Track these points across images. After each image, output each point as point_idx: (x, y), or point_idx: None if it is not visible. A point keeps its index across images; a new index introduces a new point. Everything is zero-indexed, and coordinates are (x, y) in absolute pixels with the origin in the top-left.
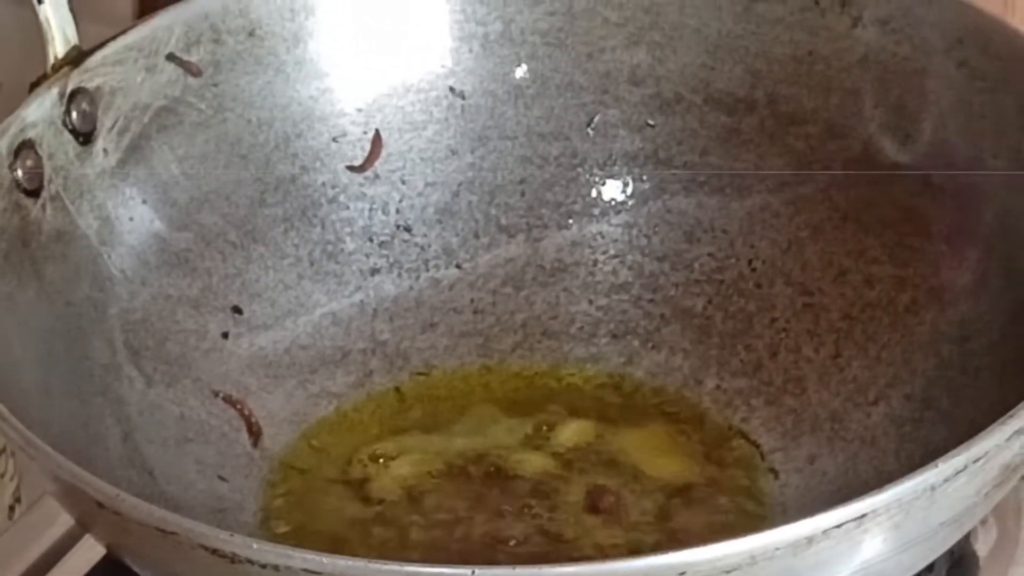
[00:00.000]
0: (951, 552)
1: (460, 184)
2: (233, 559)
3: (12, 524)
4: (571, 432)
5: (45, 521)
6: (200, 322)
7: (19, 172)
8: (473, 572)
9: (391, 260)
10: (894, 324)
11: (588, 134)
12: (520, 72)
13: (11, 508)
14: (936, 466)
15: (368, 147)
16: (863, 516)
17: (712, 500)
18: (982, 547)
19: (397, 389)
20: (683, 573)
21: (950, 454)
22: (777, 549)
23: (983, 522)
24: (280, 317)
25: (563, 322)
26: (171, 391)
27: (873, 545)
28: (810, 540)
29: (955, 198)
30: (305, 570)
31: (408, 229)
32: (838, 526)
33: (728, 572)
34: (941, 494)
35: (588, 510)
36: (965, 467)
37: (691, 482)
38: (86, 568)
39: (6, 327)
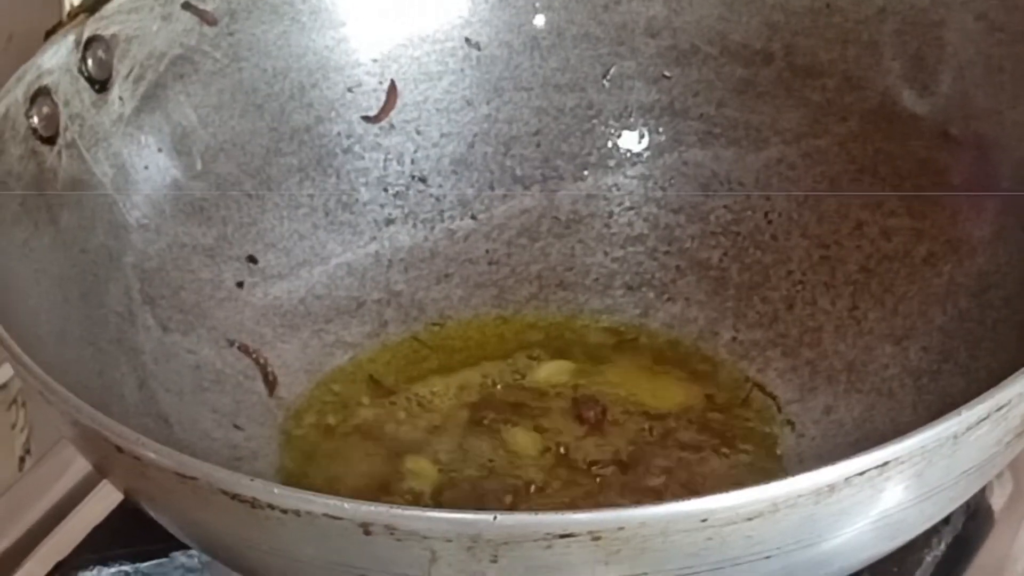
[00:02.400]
0: (967, 505)
1: (475, 135)
2: (254, 504)
3: (22, 476)
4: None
5: (55, 473)
6: (215, 271)
7: (35, 119)
8: (495, 518)
9: (406, 211)
10: (911, 276)
11: (604, 85)
12: (536, 23)
13: (21, 460)
14: (960, 414)
15: (383, 97)
16: (886, 464)
17: (729, 448)
18: (997, 500)
19: (414, 338)
20: (704, 520)
21: (974, 401)
22: (800, 496)
23: (999, 476)
24: (295, 267)
25: (578, 273)
26: (186, 340)
27: (895, 494)
28: (832, 488)
29: (973, 150)
30: (326, 515)
31: (423, 180)
32: (860, 473)
33: (749, 519)
34: (964, 442)
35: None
36: (988, 415)
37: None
38: (97, 520)
39: (22, 274)
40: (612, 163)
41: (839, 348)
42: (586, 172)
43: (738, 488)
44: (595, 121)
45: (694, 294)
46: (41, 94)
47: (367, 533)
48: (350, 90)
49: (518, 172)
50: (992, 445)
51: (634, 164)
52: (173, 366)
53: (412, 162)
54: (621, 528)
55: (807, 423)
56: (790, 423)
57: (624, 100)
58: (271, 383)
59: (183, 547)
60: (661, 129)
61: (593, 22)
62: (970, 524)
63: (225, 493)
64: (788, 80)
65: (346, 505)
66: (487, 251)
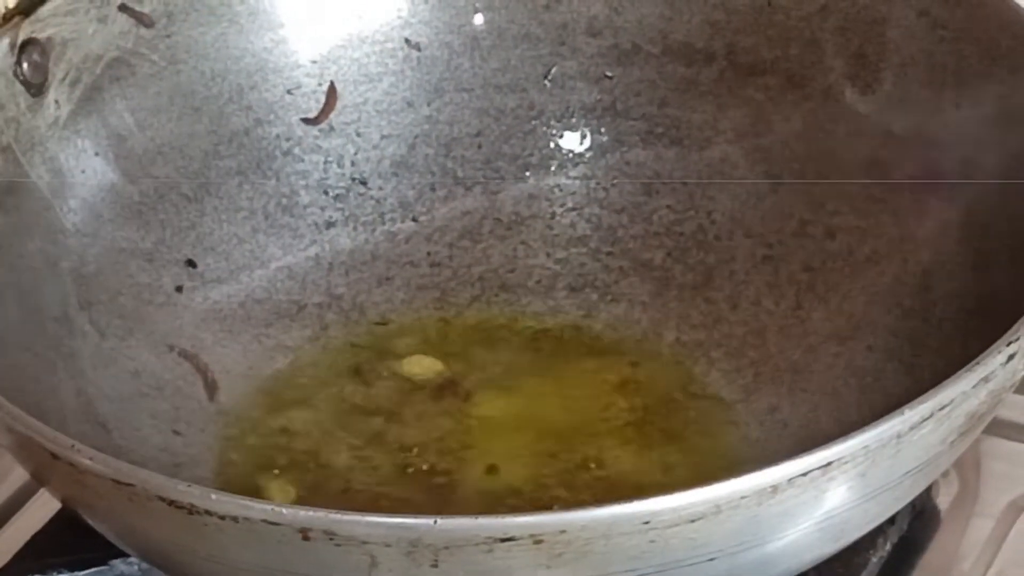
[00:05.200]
0: (912, 505)
1: (416, 136)
2: (191, 510)
3: None
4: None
5: None
6: (154, 276)
7: None
8: (436, 522)
9: (347, 213)
10: (855, 275)
11: (545, 86)
12: (476, 23)
13: None
14: (903, 413)
15: (323, 99)
16: (829, 464)
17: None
18: (943, 500)
19: (352, 344)
20: (646, 522)
21: (916, 401)
22: (743, 498)
23: (944, 475)
24: (235, 271)
25: (521, 275)
26: (125, 345)
27: (838, 494)
28: (775, 488)
29: (916, 148)
30: (264, 520)
31: (364, 182)
32: (804, 474)
33: (692, 521)
34: (907, 442)
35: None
36: (931, 415)
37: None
38: (35, 528)
39: None
40: (554, 164)
41: (783, 348)
42: (528, 173)
43: (681, 490)
44: (536, 122)
45: (637, 295)
46: None
47: (306, 539)
48: (289, 92)
49: (459, 173)
50: (936, 444)
51: (576, 165)
52: (111, 372)
53: (352, 164)
54: (563, 531)
55: (751, 424)
56: (734, 424)
57: (566, 100)
58: (211, 388)
59: (122, 555)
60: (603, 129)
61: (534, 22)
62: (916, 524)
63: (162, 500)
64: (730, 79)
65: (284, 511)
66: (428, 253)
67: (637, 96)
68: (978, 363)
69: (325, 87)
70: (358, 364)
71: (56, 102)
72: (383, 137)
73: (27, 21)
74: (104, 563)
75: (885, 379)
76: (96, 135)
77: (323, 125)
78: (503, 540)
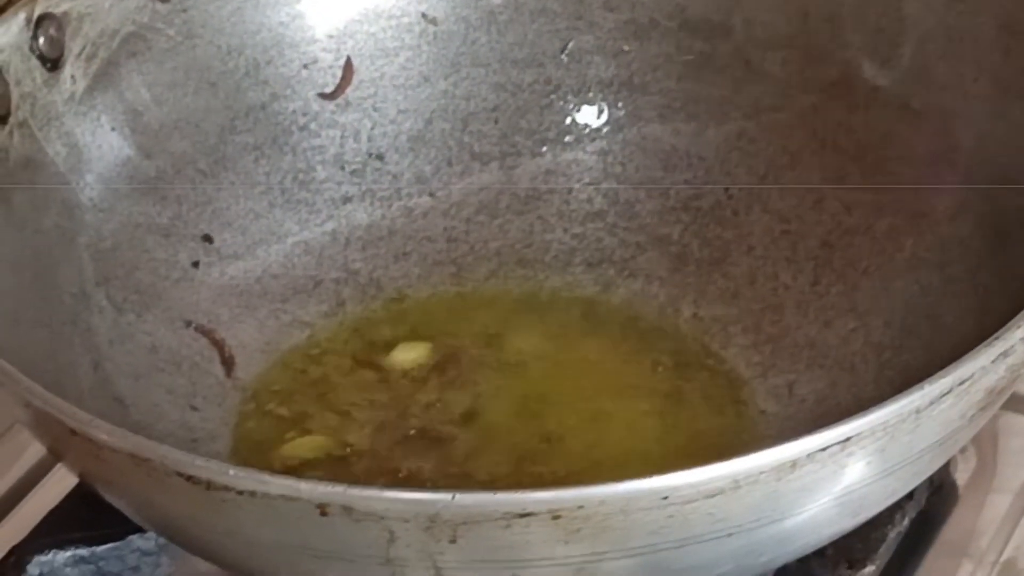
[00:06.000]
0: (931, 480)
1: (433, 111)
2: (209, 485)
3: None
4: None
5: (10, 457)
6: (170, 251)
7: None
8: (453, 497)
9: (363, 188)
10: (873, 250)
11: (562, 60)
12: None
13: None
14: (922, 388)
15: (339, 74)
16: (848, 440)
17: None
18: (961, 475)
19: (368, 318)
20: (665, 497)
21: (936, 376)
22: (761, 473)
23: (962, 451)
24: (251, 246)
25: (537, 250)
26: (142, 320)
27: (857, 469)
28: (794, 464)
29: (934, 122)
30: (282, 496)
31: (380, 157)
32: (823, 449)
33: (711, 497)
34: (926, 417)
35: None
36: (951, 389)
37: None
38: (52, 504)
39: None
40: (571, 139)
41: (801, 323)
42: (545, 148)
43: (699, 465)
44: (553, 96)
45: (655, 270)
46: None
47: (324, 514)
48: (306, 67)
49: (476, 149)
50: (955, 420)
51: (593, 139)
52: (128, 347)
53: (369, 139)
54: (581, 507)
55: (769, 399)
56: (752, 399)
57: (582, 75)
58: (228, 364)
59: (139, 530)
60: (620, 104)
61: None
62: (934, 499)
63: (180, 475)
64: (748, 54)
65: (302, 486)
66: (445, 228)
67: (654, 71)
68: (997, 338)
69: (342, 62)
70: (372, 340)
71: (72, 77)
72: (400, 112)
73: None
74: (121, 538)
75: (903, 354)
76: (112, 110)
77: (340, 100)
78: (521, 516)
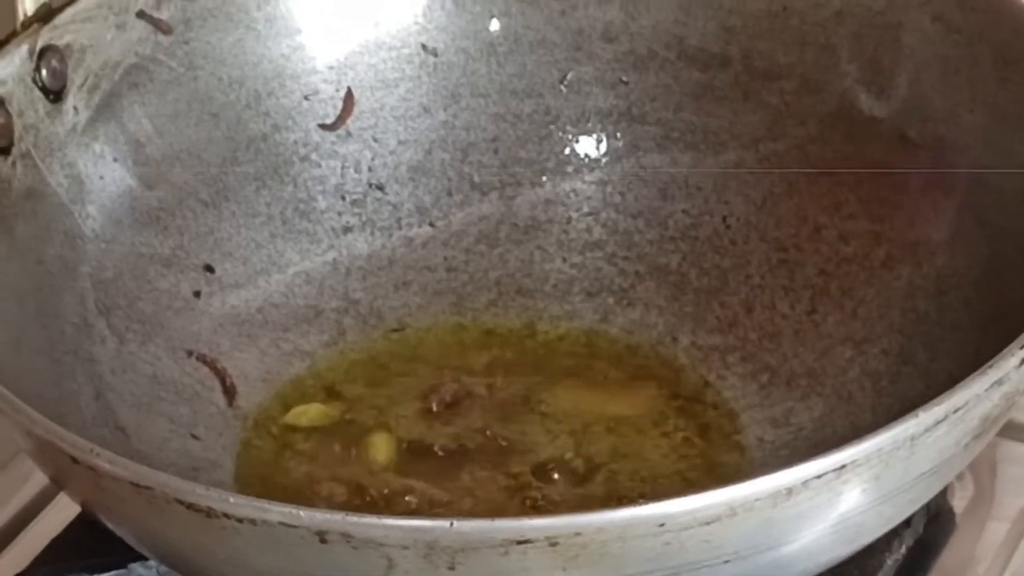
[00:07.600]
0: (928, 507)
1: (433, 142)
2: (209, 513)
3: None
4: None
5: (12, 486)
6: (172, 281)
7: None
8: (452, 524)
9: (364, 218)
10: (870, 279)
11: (561, 91)
12: (492, 28)
13: None
14: (917, 416)
15: (340, 105)
16: (843, 467)
17: (686, 451)
18: (959, 503)
19: (370, 351)
20: (662, 524)
21: (930, 403)
22: (757, 500)
23: (960, 478)
24: (252, 276)
25: (537, 280)
26: (143, 350)
27: (852, 496)
28: (790, 491)
29: (930, 152)
30: (282, 523)
31: (381, 187)
32: (818, 477)
33: (707, 524)
34: (921, 445)
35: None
36: (945, 417)
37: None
38: (54, 532)
39: None
40: (570, 169)
41: (798, 352)
42: (544, 178)
43: (696, 492)
44: (552, 127)
45: (653, 299)
46: None
47: (323, 541)
48: (306, 98)
49: (476, 179)
50: (950, 447)
51: (592, 170)
52: (130, 376)
53: (369, 170)
54: (578, 534)
55: (766, 427)
56: (749, 427)
57: (581, 105)
58: (230, 393)
59: (141, 558)
60: (619, 134)
61: (550, 27)
62: (931, 527)
63: (181, 503)
64: (745, 84)
65: (302, 513)
66: (445, 258)
67: (653, 101)
68: (991, 366)
69: (342, 93)
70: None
71: (75, 108)
72: (400, 143)
73: (46, 28)
74: (123, 566)
75: (900, 383)
76: (114, 141)
77: (340, 131)
78: (519, 542)
